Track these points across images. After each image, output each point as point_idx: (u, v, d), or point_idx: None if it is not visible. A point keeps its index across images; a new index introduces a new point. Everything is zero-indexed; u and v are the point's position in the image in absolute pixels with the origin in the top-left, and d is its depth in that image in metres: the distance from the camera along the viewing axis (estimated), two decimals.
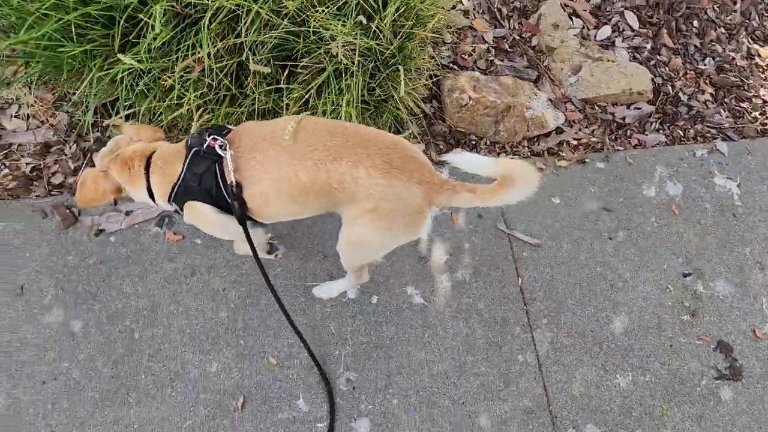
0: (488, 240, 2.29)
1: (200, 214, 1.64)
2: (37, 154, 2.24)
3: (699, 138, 2.73)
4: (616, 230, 2.40)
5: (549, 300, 2.20)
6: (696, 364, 2.15)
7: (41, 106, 2.27)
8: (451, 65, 2.66)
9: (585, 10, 2.93)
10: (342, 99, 2.15)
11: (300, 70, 2.14)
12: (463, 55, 2.69)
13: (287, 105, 2.15)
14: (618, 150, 2.63)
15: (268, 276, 1.74)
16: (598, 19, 2.96)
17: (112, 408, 1.82)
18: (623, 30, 2.96)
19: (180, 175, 1.57)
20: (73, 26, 1.91)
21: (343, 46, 2.05)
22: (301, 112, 2.18)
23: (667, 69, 2.90)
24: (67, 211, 2.12)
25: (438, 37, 2.69)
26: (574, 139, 2.63)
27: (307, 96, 2.14)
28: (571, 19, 2.88)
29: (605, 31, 2.89)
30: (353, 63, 2.06)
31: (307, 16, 2.06)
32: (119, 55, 1.84)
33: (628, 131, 2.70)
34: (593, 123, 2.70)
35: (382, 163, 1.51)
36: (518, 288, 2.21)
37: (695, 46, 3.00)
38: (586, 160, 2.56)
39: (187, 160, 1.57)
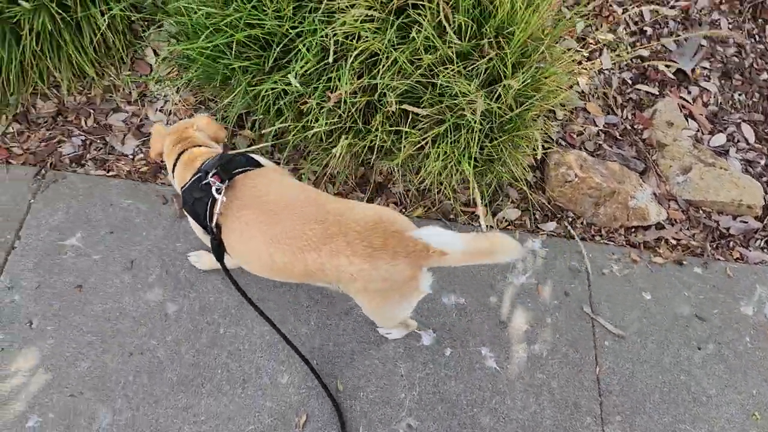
0: (571, 319, 2.27)
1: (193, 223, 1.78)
2: None
3: None
4: (707, 341, 2.31)
5: (625, 397, 2.13)
6: None
7: (183, 106, 2.53)
8: (558, 140, 2.74)
9: (702, 114, 2.95)
10: (455, 151, 2.26)
11: (420, 118, 2.28)
12: (572, 133, 2.77)
13: (404, 146, 2.29)
14: (718, 259, 2.57)
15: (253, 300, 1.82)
16: (714, 125, 2.97)
17: (186, 394, 1.91)
18: (738, 141, 2.95)
19: (185, 184, 1.71)
20: (235, 44, 2.16)
21: (467, 104, 2.18)
22: (416, 156, 2.31)
23: None
24: None
25: (551, 113, 2.79)
26: (674, 238, 2.60)
27: (423, 143, 2.27)
28: (687, 120, 2.91)
29: (719, 139, 2.89)
30: (475, 121, 2.18)
31: (438, 71, 2.22)
32: (289, 76, 2.04)
33: (731, 243, 2.64)
34: (695, 226, 2.66)
35: (363, 248, 1.52)
36: (595, 376, 2.16)
37: None
38: (684, 262, 2.52)
39: (192, 179, 1.68)
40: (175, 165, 1.78)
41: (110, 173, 2.37)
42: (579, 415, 2.06)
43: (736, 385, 2.23)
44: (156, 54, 2.53)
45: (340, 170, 2.42)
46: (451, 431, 1.97)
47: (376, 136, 2.24)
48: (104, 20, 2.32)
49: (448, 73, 2.20)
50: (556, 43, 2.61)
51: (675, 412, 2.13)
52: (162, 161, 1.90)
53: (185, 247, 2.21)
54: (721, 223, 2.68)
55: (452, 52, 2.16)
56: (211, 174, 1.62)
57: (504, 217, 2.52)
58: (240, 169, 1.68)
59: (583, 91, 2.94)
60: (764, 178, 2.86)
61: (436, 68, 2.22)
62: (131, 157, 2.42)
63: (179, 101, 2.53)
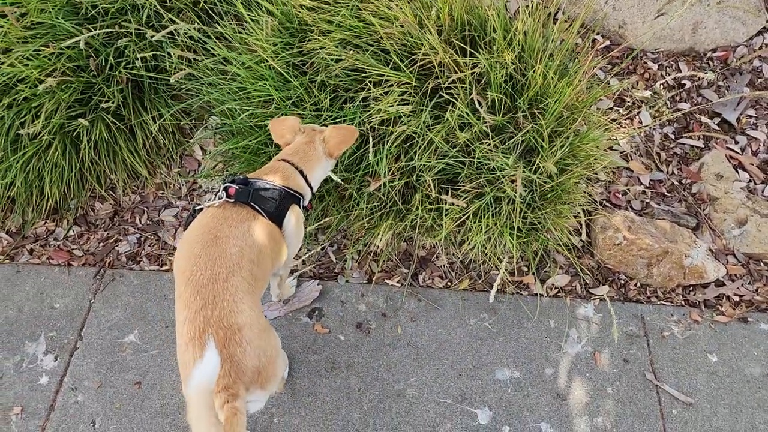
0: (634, 388, 2.30)
1: None
2: None
3: None
4: None
5: None
6: None
7: None
8: (603, 202, 2.85)
9: (752, 164, 3.01)
10: (497, 223, 2.41)
11: (460, 193, 2.46)
12: (616, 193, 2.88)
13: (444, 223, 2.45)
14: None
15: None
16: (767, 174, 3.02)
17: None
18: None
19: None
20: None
21: (507, 177, 2.34)
22: (458, 231, 2.46)
23: None
24: None
25: (594, 175, 2.92)
26: (736, 294, 2.62)
27: (464, 218, 2.43)
28: (737, 171, 2.97)
29: None
30: (516, 193, 2.33)
31: (474, 147, 2.40)
32: (330, 174, 2.27)
33: None
34: (758, 280, 2.67)
35: (198, 327, 1.56)
36: None
37: None
38: (749, 319, 2.52)
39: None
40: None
41: (163, 267, 2.61)
42: None
43: None
44: (203, 150, 2.84)
45: (383, 249, 2.59)
46: None
47: (417, 215, 2.42)
48: (156, 125, 2.65)
49: (484, 148, 2.39)
50: (592, 105, 2.78)
51: None
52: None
53: None
54: None
55: (487, 127, 2.35)
56: (221, 189, 1.84)
57: (553, 284, 2.62)
58: (260, 204, 1.85)
59: (624, 151, 3.06)
60: None
61: (473, 144, 2.42)
62: None
63: None
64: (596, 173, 2.89)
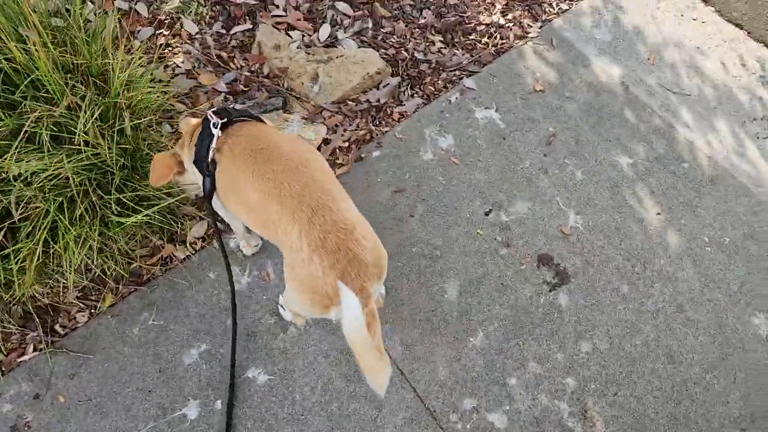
0: None
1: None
2: None
3: (449, 85, 3.03)
4: (414, 206, 2.60)
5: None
6: (529, 288, 2.42)
7: None
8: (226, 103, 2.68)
9: (299, 20, 3.11)
10: (87, 227, 2.11)
11: (20, 224, 2.06)
12: (202, 114, 2.74)
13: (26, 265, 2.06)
14: (386, 131, 2.84)
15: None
16: (314, 21, 3.15)
17: None
18: (342, 21, 3.18)
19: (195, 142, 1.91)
20: None
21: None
22: (45, 263, 2.11)
23: (395, 37, 3.18)
24: None
25: (172, 109, 2.71)
26: (344, 141, 2.80)
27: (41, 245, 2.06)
28: (288, 34, 3.05)
29: (325, 31, 3.10)
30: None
31: None
32: None
33: (387, 109, 2.93)
34: (355, 118, 2.89)
35: (317, 236, 1.61)
36: None
37: (409, 5, 3.31)
38: (363, 156, 2.74)
39: (200, 130, 1.90)
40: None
41: None
42: None
43: (454, 221, 2.57)
44: None
45: None
46: None
47: None
48: None
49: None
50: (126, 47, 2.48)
51: (429, 280, 2.41)
52: (183, 171, 2.05)
53: None
54: (371, 100, 2.94)
55: None
56: (212, 113, 1.87)
57: (195, 237, 2.48)
58: (242, 118, 1.92)
59: (189, 69, 2.89)
60: (379, 38, 3.17)
61: None
62: None
63: None
64: (172, 107, 2.70)
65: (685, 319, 2.41)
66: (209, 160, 1.85)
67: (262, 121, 2.03)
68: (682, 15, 3.44)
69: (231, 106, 2.71)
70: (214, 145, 1.84)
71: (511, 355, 2.26)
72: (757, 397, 2.28)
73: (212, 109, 1.92)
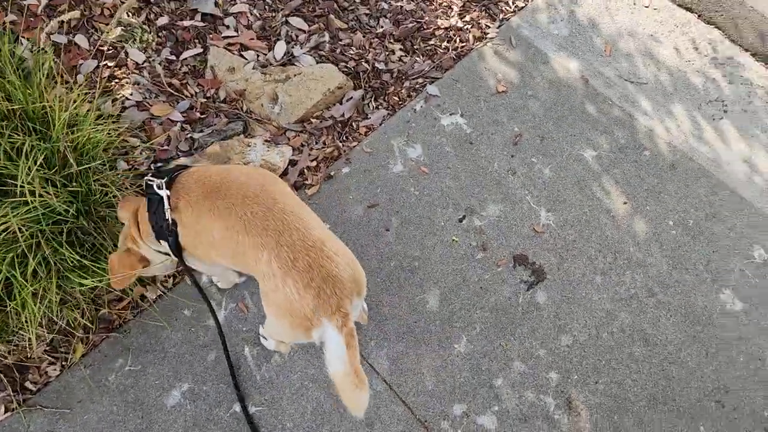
0: None
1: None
2: None
3: (412, 93, 3.05)
4: (388, 219, 2.62)
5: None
6: (507, 289, 2.47)
7: None
8: (152, 164, 2.64)
9: (252, 39, 3.08)
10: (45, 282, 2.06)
11: None
12: (160, 147, 2.69)
13: None
14: (353, 146, 2.85)
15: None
16: (268, 39, 3.13)
17: None
18: (297, 37, 3.17)
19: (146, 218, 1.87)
20: None
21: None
22: (5, 321, 2.05)
23: (354, 48, 3.18)
24: None
25: (126, 144, 2.65)
26: (312, 160, 2.80)
27: None
28: (242, 56, 3.02)
29: (280, 48, 3.07)
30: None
31: None
32: None
33: (353, 124, 2.94)
34: (321, 135, 2.88)
35: (287, 258, 1.62)
36: None
37: (365, 14, 3.31)
38: (332, 174, 2.74)
39: (145, 203, 1.87)
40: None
41: None
42: None
43: (429, 231, 2.60)
44: None
45: None
46: None
47: None
48: None
49: None
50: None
51: (407, 291, 2.44)
52: (147, 265, 2.04)
53: None
54: (336, 115, 2.94)
55: None
56: (148, 178, 1.84)
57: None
58: (179, 169, 1.90)
59: (139, 101, 2.82)
60: (338, 50, 3.16)
61: None
62: None
63: None
64: (126, 142, 2.64)
65: (657, 302, 2.50)
66: (169, 221, 1.81)
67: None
68: (634, 4, 3.52)
69: (158, 164, 2.63)
70: (167, 206, 1.81)
71: (495, 357, 2.31)
72: (728, 369, 2.38)
73: (148, 175, 1.89)
